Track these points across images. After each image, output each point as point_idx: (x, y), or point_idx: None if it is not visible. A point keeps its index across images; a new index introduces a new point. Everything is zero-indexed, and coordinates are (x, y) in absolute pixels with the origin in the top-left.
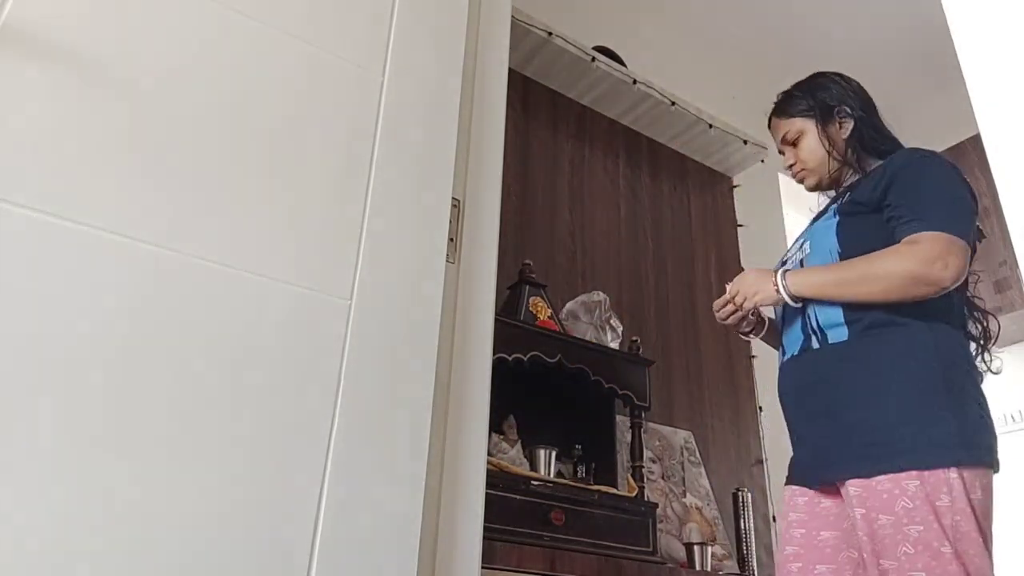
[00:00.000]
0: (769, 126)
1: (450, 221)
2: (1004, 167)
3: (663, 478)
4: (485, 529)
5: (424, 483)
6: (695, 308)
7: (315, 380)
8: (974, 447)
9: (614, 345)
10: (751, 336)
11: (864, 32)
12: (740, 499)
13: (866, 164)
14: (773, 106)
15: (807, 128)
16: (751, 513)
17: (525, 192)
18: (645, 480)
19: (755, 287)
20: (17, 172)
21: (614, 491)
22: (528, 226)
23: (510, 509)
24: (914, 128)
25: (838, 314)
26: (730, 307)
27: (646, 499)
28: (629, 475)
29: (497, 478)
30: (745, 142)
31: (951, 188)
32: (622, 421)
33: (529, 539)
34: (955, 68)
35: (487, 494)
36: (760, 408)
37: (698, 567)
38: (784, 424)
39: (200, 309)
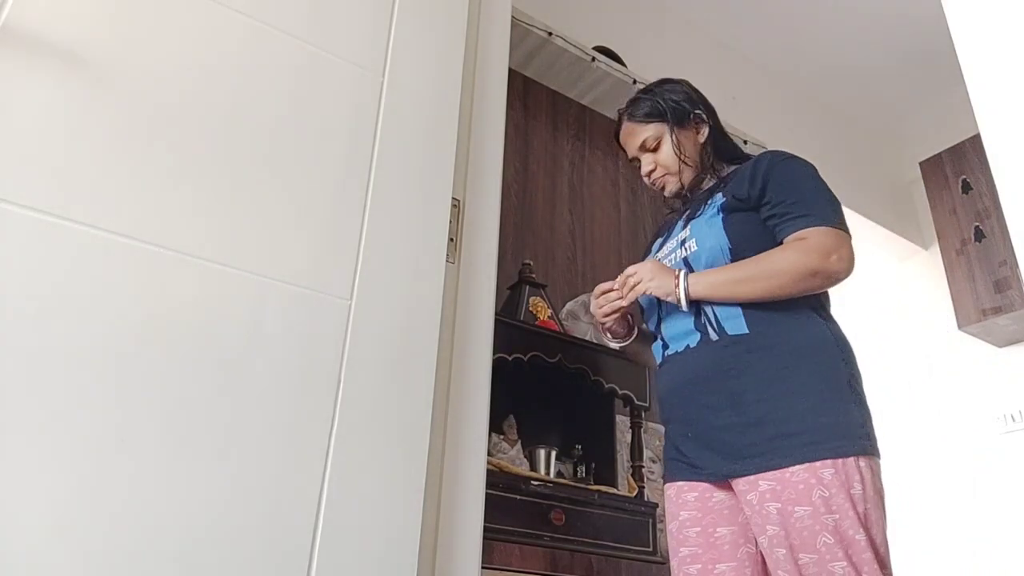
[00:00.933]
0: (618, 135)
1: (450, 221)
2: (1004, 167)
3: (663, 478)
4: (485, 529)
5: (424, 483)
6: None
7: (315, 380)
8: (873, 437)
9: (612, 346)
10: (620, 342)
11: (864, 32)
12: None
13: (721, 169)
14: (623, 113)
15: (664, 133)
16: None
17: (525, 192)
18: (645, 480)
19: (652, 274)
20: (17, 172)
21: (614, 491)
22: (528, 226)
23: (510, 509)
24: (914, 128)
25: (735, 306)
26: (613, 294)
27: (646, 499)
28: (629, 475)
29: (497, 478)
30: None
31: (823, 185)
32: (622, 421)
33: (529, 539)
34: (955, 68)
35: (487, 494)
36: None
37: None
38: None
39: (200, 309)
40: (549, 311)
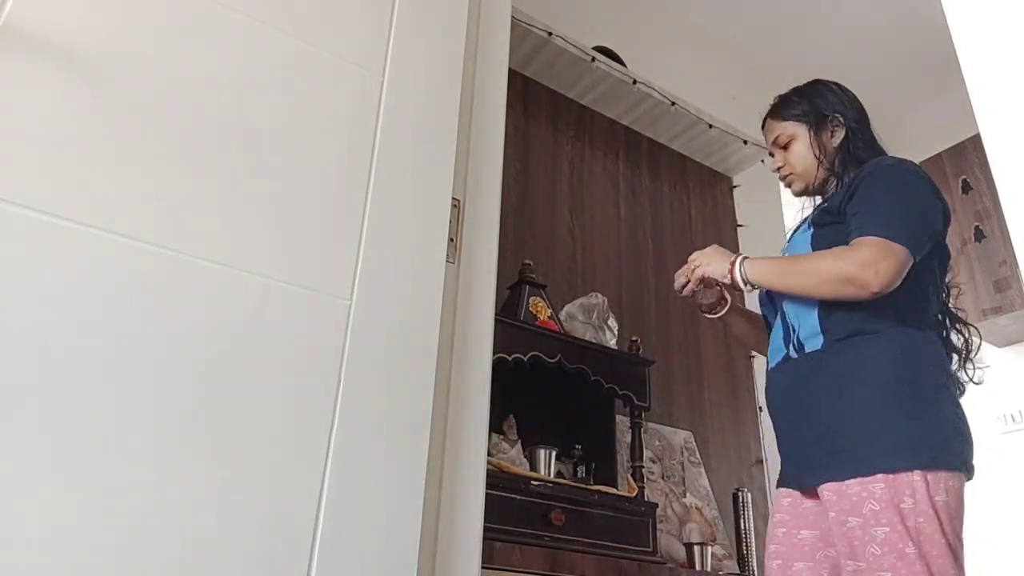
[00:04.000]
0: (763, 127)
1: (450, 221)
2: (1004, 167)
3: (663, 478)
4: (485, 529)
5: (424, 483)
6: (695, 308)
7: (315, 380)
8: (939, 451)
9: (611, 345)
10: (713, 313)
11: (864, 32)
12: (740, 499)
13: (850, 175)
14: (769, 107)
15: (799, 133)
16: (751, 513)
17: (525, 192)
18: (645, 480)
19: (709, 259)
20: (17, 172)
21: (614, 491)
22: (528, 226)
23: (510, 509)
24: (914, 128)
25: (815, 324)
26: (683, 278)
27: (646, 499)
28: (629, 475)
29: (497, 478)
30: (745, 142)
31: (906, 196)
32: (622, 421)
33: (529, 539)
34: (955, 68)
35: (487, 494)
36: (760, 408)
37: (698, 567)
38: None
39: (199, 309)
40: (549, 311)
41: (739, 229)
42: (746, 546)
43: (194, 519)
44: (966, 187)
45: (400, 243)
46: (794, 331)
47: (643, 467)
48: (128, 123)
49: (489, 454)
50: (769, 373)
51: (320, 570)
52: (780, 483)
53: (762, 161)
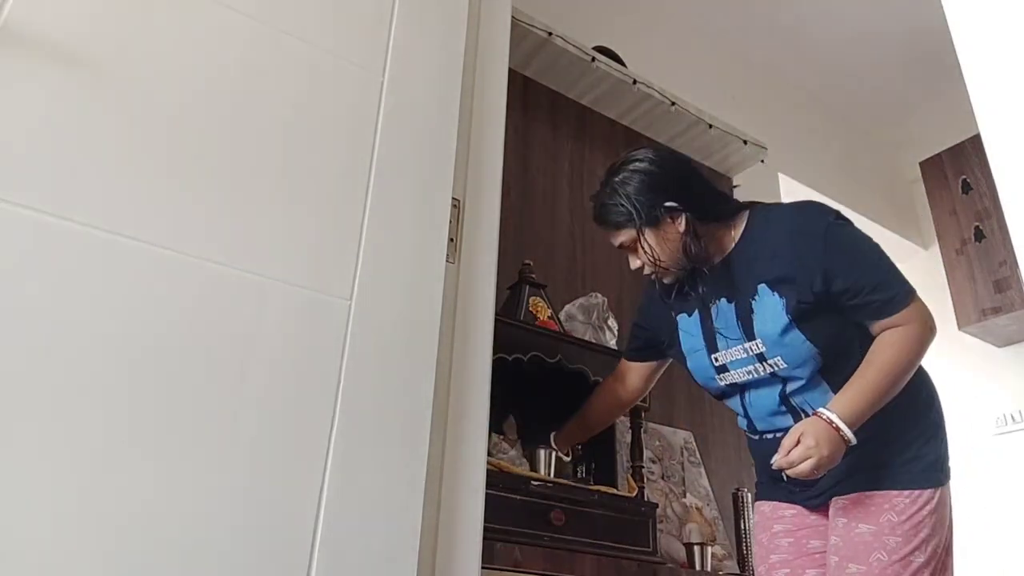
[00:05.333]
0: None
1: (450, 221)
2: (1004, 167)
3: (663, 478)
4: (485, 529)
5: (424, 483)
6: None
7: (315, 380)
8: (946, 467)
9: (611, 345)
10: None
11: (864, 32)
12: (740, 499)
13: (713, 240)
14: (593, 215)
15: (636, 235)
16: (751, 513)
17: (525, 192)
18: (645, 480)
19: (832, 455)
20: (17, 172)
21: (614, 491)
22: (528, 226)
23: (510, 509)
24: (914, 128)
25: (827, 396)
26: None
27: (646, 499)
28: (629, 475)
29: (497, 478)
30: (745, 142)
31: (875, 247)
32: (622, 421)
33: (529, 539)
34: (955, 68)
35: (487, 494)
36: None
37: (698, 567)
38: None
39: (199, 309)
40: (549, 311)
41: None
42: (746, 546)
43: (194, 519)
44: (966, 187)
45: (400, 243)
46: (795, 402)
47: (643, 467)
48: (128, 123)
49: (489, 454)
50: (770, 440)
51: (320, 570)
52: (780, 496)
53: (762, 161)
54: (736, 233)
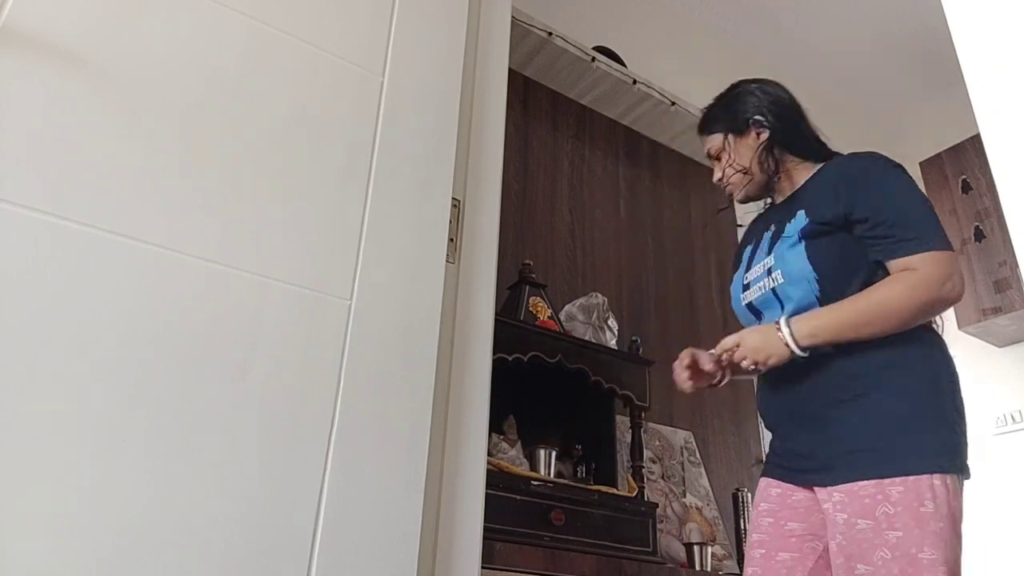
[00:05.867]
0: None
1: (450, 221)
2: (1004, 167)
3: (663, 478)
4: (485, 529)
5: (424, 483)
6: (695, 308)
7: (315, 380)
8: (956, 455)
9: (611, 345)
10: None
11: (864, 32)
12: (740, 499)
13: (788, 167)
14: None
15: (723, 142)
16: (751, 513)
17: (525, 192)
18: (645, 480)
19: (765, 350)
20: (17, 172)
21: (614, 491)
22: (528, 226)
23: (510, 509)
24: (914, 128)
25: None
26: (711, 366)
27: (646, 499)
28: (629, 475)
29: (497, 478)
30: None
31: (921, 197)
32: (622, 421)
33: (529, 539)
34: (955, 68)
35: (487, 494)
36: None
37: (698, 567)
38: None
39: (200, 309)
40: (549, 311)
41: (739, 229)
42: (746, 546)
43: (194, 518)
44: (966, 187)
45: (400, 243)
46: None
47: (643, 467)
48: (128, 123)
49: (489, 454)
50: (772, 371)
51: (320, 570)
52: (772, 473)
53: None
54: (809, 175)
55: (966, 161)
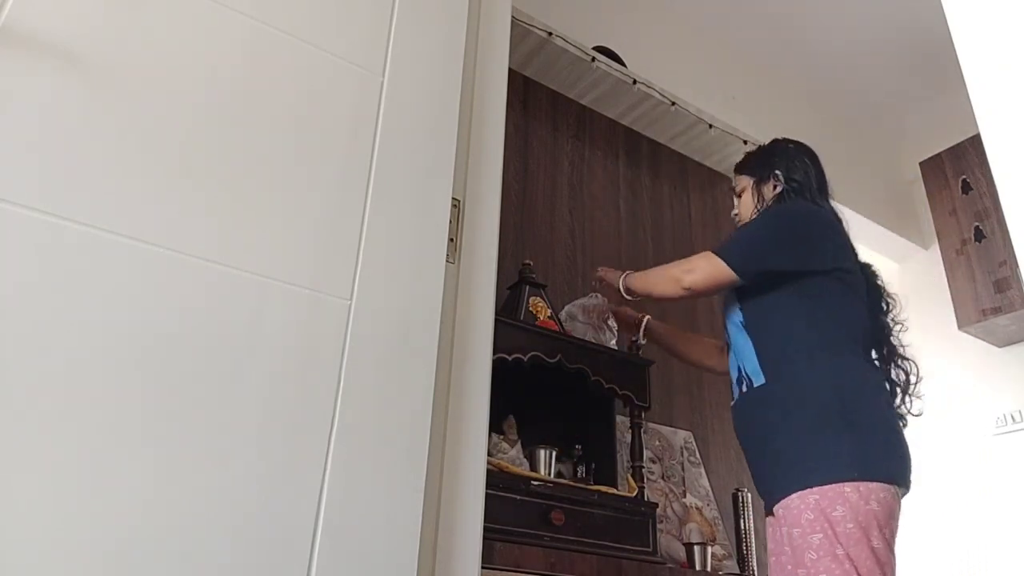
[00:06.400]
0: None
1: (450, 221)
2: (1004, 167)
3: (663, 478)
4: (485, 529)
5: (424, 483)
6: (695, 308)
7: (315, 380)
8: (870, 466)
9: (611, 345)
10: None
11: (864, 32)
12: (740, 499)
13: None
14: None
15: (747, 184)
16: (751, 513)
17: (525, 192)
18: (645, 480)
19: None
20: (17, 172)
21: (614, 491)
22: (528, 226)
23: (510, 509)
24: (914, 128)
25: (754, 361)
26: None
27: (646, 499)
28: (629, 475)
29: (497, 478)
30: (745, 142)
31: (759, 227)
32: (622, 421)
33: (529, 539)
34: (955, 68)
35: (487, 494)
36: None
37: (698, 567)
38: None
39: (199, 309)
40: (549, 311)
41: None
42: (746, 546)
43: (193, 519)
44: (966, 187)
45: (400, 243)
46: (741, 370)
47: (643, 467)
48: (128, 123)
49: (489, 454)
50: (732, 407)
51: (320, 570)
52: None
53: None
54: None
55: (966, 161)
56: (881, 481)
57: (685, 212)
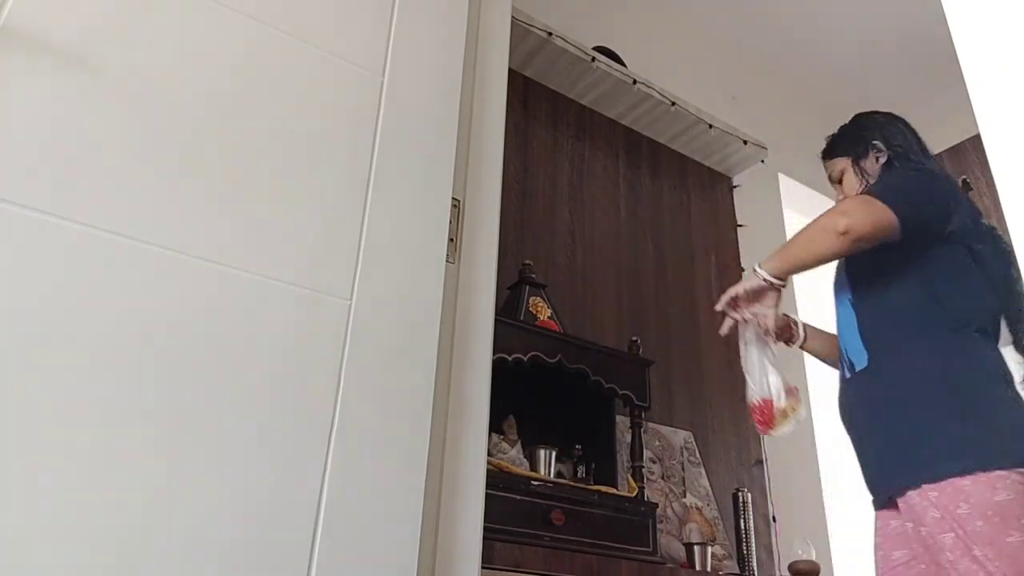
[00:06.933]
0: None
1: (450, 221)
2: (1004, 167)
3: (663, 478)
4: (485, 529)
5: (424, 483)
6: (695, 308)
7: (315, 380)
8: (991, 454)
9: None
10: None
11: (864, 32)
12: (740, 499)
13: None
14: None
15: (845, 166)
16: (751, 513)
17: (525, 192)
18: (645, 480)
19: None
20: (17, 172)
21: (614, 491)
22: (528, 226)
23: (510, 509)
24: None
25: (858, 342)
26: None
27: (646, 499)
28: (629, 475)
29: (497, 478)
30: (745, 142)
31: (909, 176)
32: (622, 421)
33: (529, 539)
34: (955, 68)
35: (487, 494)
36: None
37: (698, 567)
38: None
39: (200, 309)
40: (549, 311)
41: (739, 229)
42: (746, 546)
43: (194, 519)
44: (966, 187)
45: (400, 243)
46: (845, 352)
47: (643, 467)
48: (128, 123)
49: (489, 454)
50: (838, 392)
51: (320, 570)
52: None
53: (762, 161)
54: None
55: (966, 161)
56: (1007, 468)
57: (685, 212)
